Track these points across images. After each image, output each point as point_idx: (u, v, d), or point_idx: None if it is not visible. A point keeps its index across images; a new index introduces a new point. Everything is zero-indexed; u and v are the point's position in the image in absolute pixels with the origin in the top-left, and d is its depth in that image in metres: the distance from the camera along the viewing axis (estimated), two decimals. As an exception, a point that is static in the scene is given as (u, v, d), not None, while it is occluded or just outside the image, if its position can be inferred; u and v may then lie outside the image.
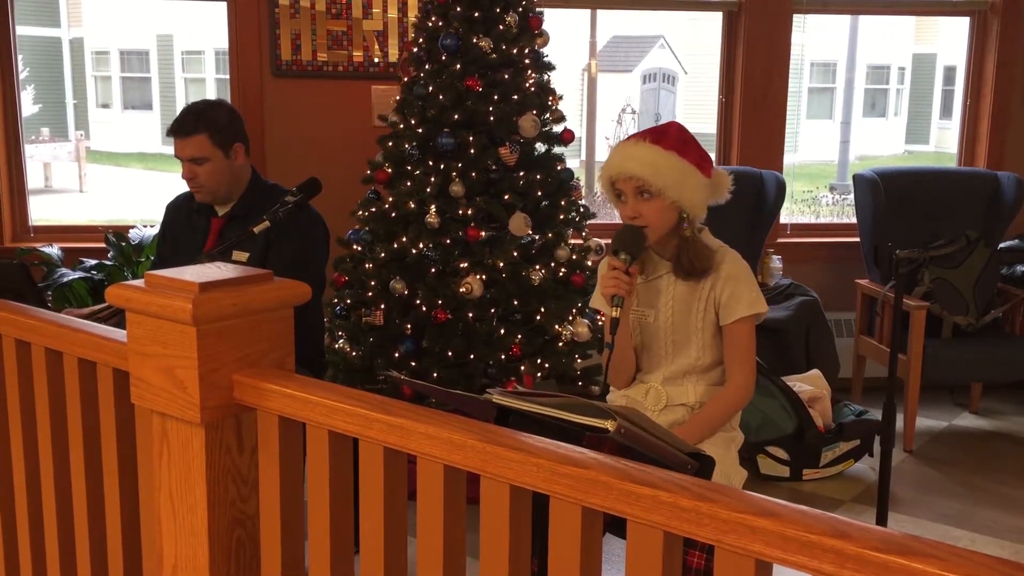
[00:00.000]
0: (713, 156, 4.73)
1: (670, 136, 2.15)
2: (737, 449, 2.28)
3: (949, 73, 16.87)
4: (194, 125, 2.79)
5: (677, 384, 2.24)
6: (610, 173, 2.17)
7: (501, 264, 3.24)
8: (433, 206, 3.25)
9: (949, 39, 16.01)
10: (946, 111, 17.03)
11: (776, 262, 4.32)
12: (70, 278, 3.81)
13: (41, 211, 10.99)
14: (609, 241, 3.73)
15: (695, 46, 14.03)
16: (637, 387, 2.29)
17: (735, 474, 2.22)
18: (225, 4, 4.14)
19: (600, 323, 3.51)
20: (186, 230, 2.97)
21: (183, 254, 2.76)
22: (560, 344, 3.34)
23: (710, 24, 4.74)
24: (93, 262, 3.97)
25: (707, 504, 0.95)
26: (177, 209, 3.04)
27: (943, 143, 16.77)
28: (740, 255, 2.24)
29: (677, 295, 2.21)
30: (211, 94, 15.87)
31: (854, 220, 4.43)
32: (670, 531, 0.99)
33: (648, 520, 0.99)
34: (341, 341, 3.44)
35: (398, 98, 3.49)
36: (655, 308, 2.23)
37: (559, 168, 3.45)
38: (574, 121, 3.60)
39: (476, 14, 3.33)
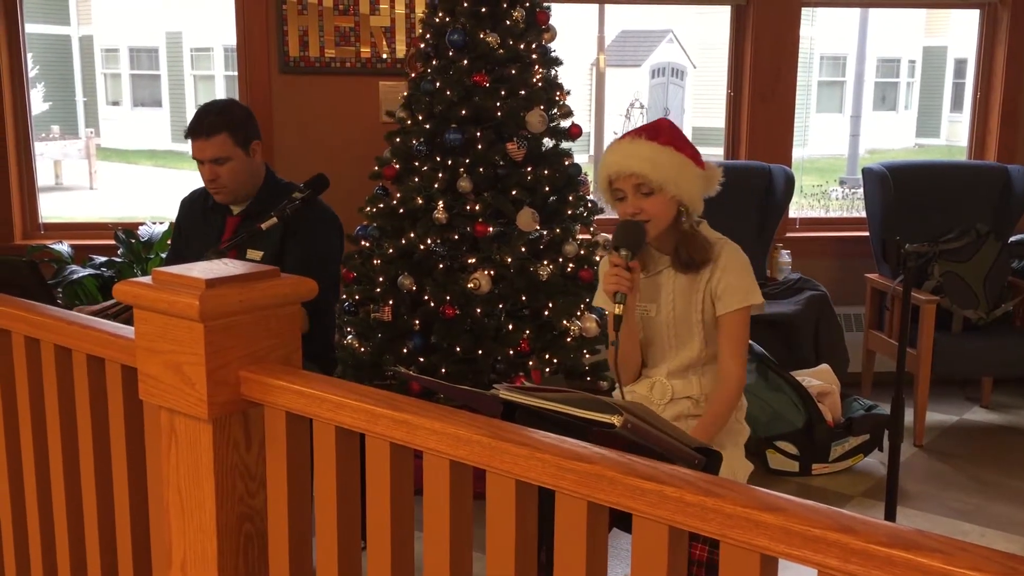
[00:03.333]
0: (721, 150, 4.75)
1: (663, 131, 2.18)
2: (743, 442, 2.29)
3: (960, 66, 16.78)
4: (215, 125, 2.78)
5: (682, 377, 2.25)
6: (609, 172, 2.18)
7: (509, 260, 3.24)
8: (441, 202, 3.25)
9: (960, 32, 15.93)
10: (957, 104, 16.94)
11: (785, 256, 4.31)
12: (80, 275, 3.83)
13: (51, 208, 11.01)
14: (617, 236, 3.73)
15: (704, 40, 14.01)
16: (642, 382, 2.30)
17: (740, 467, 2.23)
18: (233, 1, 4.14)
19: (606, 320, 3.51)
20: (201, 227, 2.97)
21: (198, 251, 2.76)
22: (568, 339, 3.33)
23: (719, 18, 4.73)
24: (103, 259, 3.98)
25: (712, 499, 0.95)
26: (192, 205, 3.04)
27: (954, 136, 16.68)
28: (740, 247, 2.24)
29: (678, 289, 2.22)
30: (220, 91, 15.91)
31: (864, 214, 4.41)
32: (675, 526, 0.99)
33: (654, 515, 0.99)
34: (350, 337, 3.45)
35: (405, 94, 3.49)
36: (657, 303, 2.24)
37: (567, 163, 3.45)
38: (582, 116, 3.60)
39: (483, 9, 3.33)
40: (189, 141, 2.85)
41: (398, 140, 3.43)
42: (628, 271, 2.10)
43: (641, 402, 2.24)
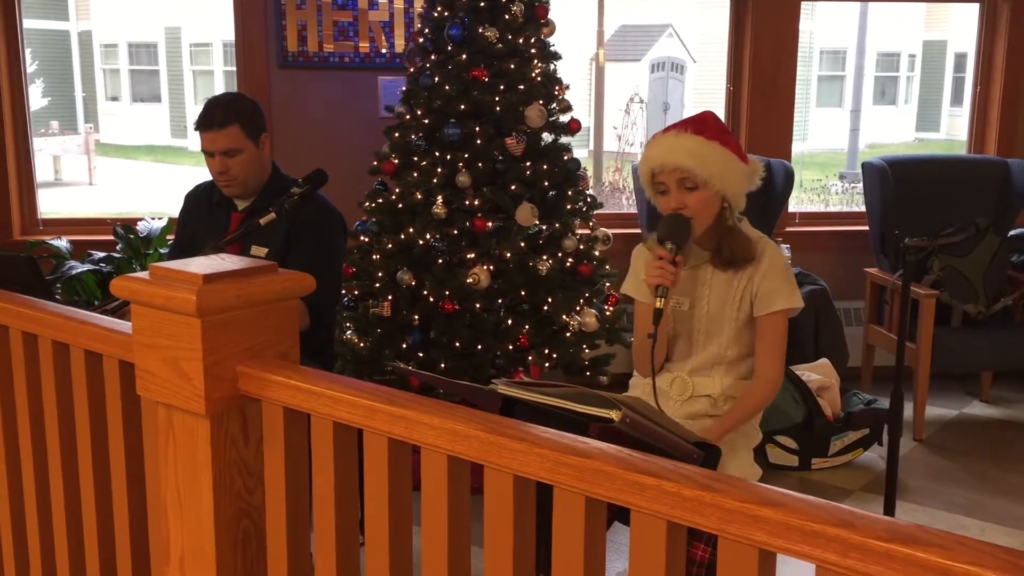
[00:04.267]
0: (721, 145, 4.73)
1: (710, 125, 2.14)
2: (753, 447, 2.26)
3: (960, 60, 16.76)
4: (227, 117, 2.77)
5: (704, 375, 2.22)
6: (652, 166, 2.13)
7: (508, 254, 3.24)
8: (440, 197, 3.25)
9: (960, 26, 15.91)
10: (957, 98, 16.93)
11: (785, 251, 4.31)
12: (79, 271, 3.82)
13: (51, 204, 11.03)
14: (615, 231, 3.73)
15: (703, 35, 13.99)
16: (663, 375, 2.25)
17: (751, 472, 2.20)
18: (231, -4, 4.14)
19: (607, 312, 3.51)
20: (206, 221, 2.96)
21: (201, 246, 2.75)
22: (567, 334, 3.33)
23: (718, 12, 4.72)
24: (102, 255, 3.98)
25: (711, 494, 0.94)
26: (197, 199, 3.03)
27: (954, 131, 16.67)
28: (778, 247, 2.22)
29: (715, 285, 2.19)
30: (219, 86, 15.89)
31: (863, 208, 4.41)
32: (674, 520, 0.98)
33: (652, 510, 0.99)
34: (349, 332, 3.45)
35: (404, 89, 3.49)
36: (691, 297, 2.20)
37: (566, 158, 3.44)
38: (582, 111, 3.59)
39: (482, 4, 3.32)
40: (196, 133, 2.84)
41: (397, 135, 3.43)
42: (673, 265, 2.07)
43: (660, 395, 2.22)
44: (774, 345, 2.17)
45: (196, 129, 2.84)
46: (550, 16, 3.46)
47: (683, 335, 2.23)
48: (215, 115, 2.78)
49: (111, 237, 4.03)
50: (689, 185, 2.10)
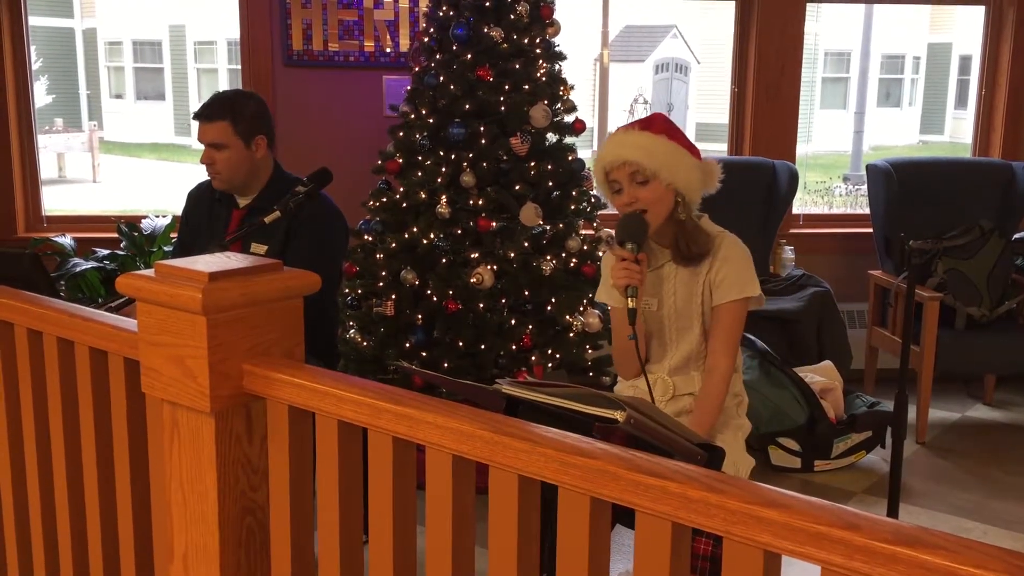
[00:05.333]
0: (725, 146, 4.73)
1: (657, 122, 2.19)
2: (745, 437, 2.29)
3: (964, 62, 16.75)
4: (218, 111, 2.80)
5: (682, 373, 2.25)
6: (603, 164, 2.18)
7: (512, 254, 3.24)
8: (444, 196, 3.25)
9: (964, 28, 15.88)
10: (961, 101, 16.91)
11: (788, 253, 4.30)
12: (83, 268, 3.83)
13: (55, 201, 11.01)
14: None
15: (708, 36, 13.98)
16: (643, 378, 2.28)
17: (743, 462, 2.23)
18: (236, -6, 4.14)
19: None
20: (207, 219, 2.97)
21: (204, 243, 2.76)
22: (571, 335, 3.33)
23: (723, 13, 4.71)
24: (106, 252, 3.98)
25: (716, 495, 0.94)
26: (199, 197, 3.04)
27: (958, 133, 16.65)
28: (740, 240, 2.23)
29: (679, 282, 2.22)
30: (223, 84, 15.90)
31: (867, 211, 4.41)
32: (678, 522, 0.98)
33: (656, 511, 0.99)
34: (352, 331, 3.45)
35: (409, 88, 3.49)
36: (659, 297, 2.24)
37: (570, 158, 3.44)
38: (586, 111, 3.59)
39: (487, 3, 3.32)
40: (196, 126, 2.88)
41: (401, 134, 3.43)
42: (636, 264, 2.09)
43: (643, 398, 2.23)
44: (727, 335, 2.18)
45: (193, 118, 2.88)
46: (555, 16, 3.46)
47: (656, 335, 2.26)
48: (210, 108, 2.83)
49: (115, 235, 4.04)
50: (639, 179, 2.13)
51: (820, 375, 3.73)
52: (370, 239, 3.44)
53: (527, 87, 3.34)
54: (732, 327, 2.18)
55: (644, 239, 2.15)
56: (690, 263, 2.20)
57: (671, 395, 2.25)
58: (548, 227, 3.37)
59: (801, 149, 4.63)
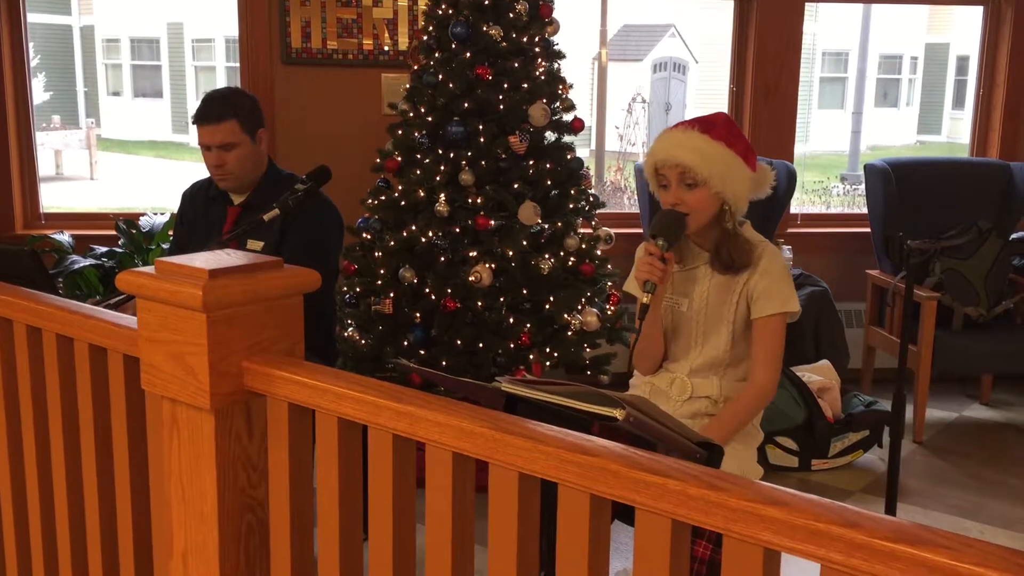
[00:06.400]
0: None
1: (718, 126, 2.14)
2: (756, 446, 2.26)
3: (962, 63, 16.75)
4: (224, 111, 2.79)
5: (703, 376, 2.21)
6: (655, 159, 2.14)
7: (510, 253, 3.24)
8: (443, 195, 3.25)
9: (962, 28, 15.89)
10: (959, 101, 16.91)
11: (786, 252, 4.31)
12: (81, 265, 3.82)
13: (52, 198, 11.02)
14: (616, 231, 3.73)
15: (706, 35, 13.97)
16: (662, 375, 2.26)
17: (752, 472, 2.21)
18: (235, -8, 4.13)
19: (609, 311, 3.51)
20: (202, 218, 2.97)
21: (199, 241, 2.76)
22: (569, 333, 3.33)
23: (721, 13, 4.71)
24: (104, 249, 3.98)
25: (715, 492, 0.94)
26: (193, 197, 3.04)
27: (955, 133, 16.66)
28: (780, 252, 2.21)
29: (713, 286, 2.19)
30: (221, 82, 15.88)
31: (865, 210, 4.41)
32: (678, 519, 0.98)
33: (656, 508, 0.99)
34: (351, 329, 3.45)
35: (408, 86, 3.49)
36: (689, 297, 2.20)
37: (569, 157, 3.44)
38: (584, 110, 3.59)
39: (486, 2, 3.32)
40: (195, 128, 2.85)
41: (400, 132, 3.43)
42: (663, 261, 2.07)
43: (660, 395, 2.22)
44: (769, 349, 2.15)
45: (194, 123, 2.85)
46: (554, 15, 3.46)
47: (682, 336, 2.23)
48: (213, 109, 2.80)
49: (113, 232, 4.03)
50: (689, 182, 2.10)
51: (818, 374, 3.73)
52: (368, 237, 3.44)
53: (526, 86, 3.34)
54: (772, 341, 2.15)
55: (678, 239, 2.12)
56: (728, 272, 2.17)
57: (688, 395, 2.22)
58: (547, 226, 3.37)
59: (799, 148, 4.64)
